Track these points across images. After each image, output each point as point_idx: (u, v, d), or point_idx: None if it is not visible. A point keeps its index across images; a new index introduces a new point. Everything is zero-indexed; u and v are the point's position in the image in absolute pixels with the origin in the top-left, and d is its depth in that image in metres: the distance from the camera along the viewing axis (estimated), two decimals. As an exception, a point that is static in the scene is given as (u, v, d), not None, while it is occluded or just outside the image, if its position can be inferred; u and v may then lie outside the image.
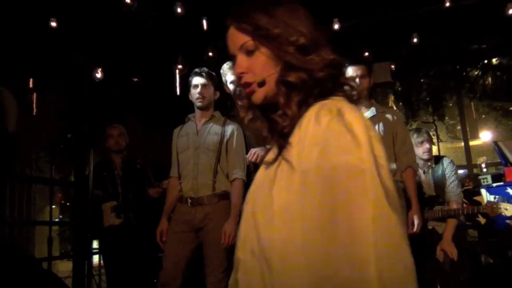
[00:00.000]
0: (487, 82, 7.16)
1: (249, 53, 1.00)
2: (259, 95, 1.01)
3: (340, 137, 0.83)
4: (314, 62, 0.95)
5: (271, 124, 1.00)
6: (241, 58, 1.01)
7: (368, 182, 0.80)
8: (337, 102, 0.90)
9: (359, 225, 0.76)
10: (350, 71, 2.82)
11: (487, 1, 4.62)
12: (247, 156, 2.75)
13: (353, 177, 0.80)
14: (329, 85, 0.95)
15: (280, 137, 0.95)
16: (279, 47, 0.96)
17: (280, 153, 0.92)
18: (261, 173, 0.98)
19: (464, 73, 7.10)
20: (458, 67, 6.82)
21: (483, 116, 10.79)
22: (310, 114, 0.89)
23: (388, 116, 2.88)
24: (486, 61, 6.87)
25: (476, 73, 7.21)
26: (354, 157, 0.81)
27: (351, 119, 0.85)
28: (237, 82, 1.04)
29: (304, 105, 0.93)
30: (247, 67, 1.00)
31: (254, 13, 0.99)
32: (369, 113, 2.87)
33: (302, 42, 0.96)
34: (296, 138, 0.89)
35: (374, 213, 0.77)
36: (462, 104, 7.20)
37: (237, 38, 1.01)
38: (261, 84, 0.99)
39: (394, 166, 2.79)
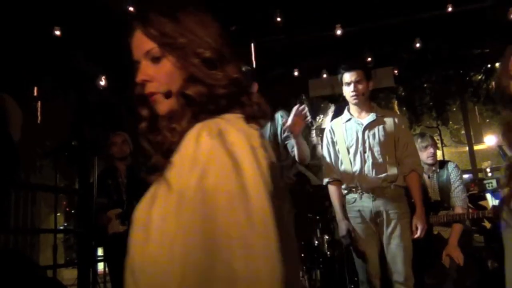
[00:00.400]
0: (490, 86, 7.14)
1: (155, 60, 0.94)
2: (163, 107, 0.95)
3: (219, 161, 0.79)
4: (217, 78, 0.91)
5: (158, 139, 0.93)
6: (146, 65, 0.95)
7: (246, 210, 0.76)
8: (221, 122, 0.85)
9: (234, 257, 0.74)
10: (346, 77, 2.82)
11: (489, 5, 4.63)
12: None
13: (232, 203, 0.76)
14: (225, 103, 0.91)
15: (163, 154, 0.89)
16: (184, 57, 0.92)
17: (162, 170, 0.86)
18: (150, 189, 0.92)
19: (467, 78, 7.09)
20: (461, 71, 6.82)
21: (487, 120, 10.76)
22: (192, 133, 0.84)
23: (389, 120, 2.85)
24: (489, 65, 6.86)
25: (479, 77, 7.20)
26: (229, 182, 0.78)
27: (234, 141, 0.81)
28: (139, 90, 0.97)
29: (194, 121, 0.87)
30: (151, 75, 0.95)
31: (161, 19, 0.94)
32: (369, 118, 2.85)
33: (208, 55, 0.92)
34: (177, 157, 0.84)
35: (250, 243, 0.75)
36: (466, 108, 7.18)
37: (142, 43, 0.95)
38: (168, 95, 0.93)
39: (395, 171, 2.77)
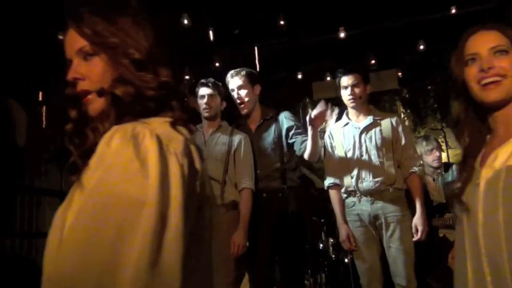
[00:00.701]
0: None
1: (87, 58, 0.94)
2: (96, 106, 0.94)
3: (125, 164, 0.78)
4: (146, 80, 0.91)
5: (82, 140, 0.91)
6: (78, 63, 0.94)
7: (143, 217, 0.75)
8: (139, 126, 0.84)
9: (119, 257, 0.72)
10: (343, 81, 2.84)
11: (493, 7, 4.61)
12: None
13: (128, 209, 0.75)
14: (154, 105, 0.91)
15: (83, 155, 0.87)
16: (114, 57, 0.92)
17: (79, 173, 0.84)
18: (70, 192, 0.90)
19: (471, 79, 7.06)
20: (465, 73, 6.79)
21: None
22: (107, 135, 0.82)
23: (386, 122, 2.85)
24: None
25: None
26: (135, 187, 0.76)
27: (148, 147, 0.79)
28: (70, 90, 0.95)
29: (119, 123, 0.86)
30: (83, 73, 0.94)
31: (95, 18, 0.94)
32: (366, 121, 2.87)
33: (138, 57, 0.92)
34: (92, 158, 0.82)
35: (140, 251, 0.73)
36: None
37: (75, 41, 0.95)
38: (100, 93, 0.92)
39: (393, 173, 2.75)
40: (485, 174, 1.19)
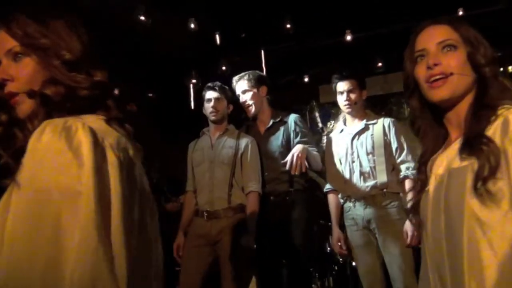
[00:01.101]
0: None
1: (16, 59, 0.93)
2: (25, 107, 0.93)
3: (58, 156, 0.77)
4: (78, 80, 0.91)
5: (11, 140, 0.90)
6: (7, 64, 0.94)
7: (80, 206, 0.75)
8: (71, 120, 0.83)
9: (62, 250, 0.72)
10: (339, 86, 2.86)
11: (501, 8, 4.59)
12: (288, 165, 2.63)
13: (63, 201, 0.75)
14: (88, 104, 0.91)
15: (13, 156, 0.85)
16: (45, 58, 0.92)
17: (14, 173, 0.81)
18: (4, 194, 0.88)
19: (479, 81, 7.03)
20: (473, 75, 6.76)
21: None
22: (37, 130, 0.81)
23: (378, 126, 2.85)
24: (502, 69, 6.80)
25: (492, 81, 7.13)
26: (69, 178, 0.76)
27: (81, 138, 0.79)
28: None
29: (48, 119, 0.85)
30: (12, 74, 0.93)
31: (26, 20, 0.94)
32: (358, 126, 2.88)
33: (69, 58, 0.92)
34: (25, 156, 0.81)
35: (80, 240, 0.73)
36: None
37: (5, 42, 0.94)
38: (30, 94, 0.92)
39: (385, 178, 2.74)
40: (433, 180, 1.14)
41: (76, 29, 0.97)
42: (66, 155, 0.78)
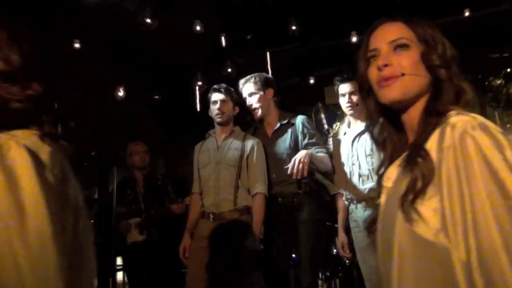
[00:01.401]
0: (511, 90, 7.02)
1: None
2: None
3: None
4: (11, 92, 0.89)
5: None
6: None
7: (23, 228, 0.75)
8: (2, 137, 0.82)
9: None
10: (341, 89, 2.87)
11: (507, 9, 4.57)
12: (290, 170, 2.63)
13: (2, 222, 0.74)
14: (21, 118, 0.89)
15: None
16: None
17: None
18: None
19: (486, 82, 6.99)
20: (479, 76, 6.72)
21: (508, 125, 10.57)
22: None
23: (378, 127, 2.84)
24: (508, 70, 6.76)
25: (498, 82, 7.09)
26: (4, 201, 0.75)
27: (15, 157, 0.78)
28: None
29: None
30: None
31: None
32: (359, 128, 2.87)
33: (5, 68, 0.90)
34: None
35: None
36: (486, 113, 7.06)
37: None
38: None
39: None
40: (384, 194, 1.06)
41: (18, 40, 0.95)
42: None
